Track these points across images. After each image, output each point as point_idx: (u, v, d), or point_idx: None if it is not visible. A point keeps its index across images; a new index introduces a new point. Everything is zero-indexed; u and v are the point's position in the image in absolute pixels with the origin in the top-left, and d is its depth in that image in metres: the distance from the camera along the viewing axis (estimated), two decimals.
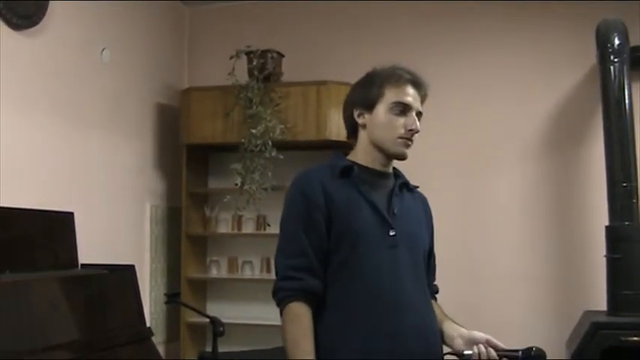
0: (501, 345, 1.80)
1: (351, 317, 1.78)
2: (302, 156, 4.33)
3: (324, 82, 4.32)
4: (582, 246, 4.27)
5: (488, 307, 4.30)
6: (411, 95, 1.90)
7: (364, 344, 1.76)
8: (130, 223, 4.39)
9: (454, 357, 1.86)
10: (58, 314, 2.88)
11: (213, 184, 4.99)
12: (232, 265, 4.83)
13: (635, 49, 4.05)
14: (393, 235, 1.84)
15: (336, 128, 4.17)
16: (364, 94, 1.93)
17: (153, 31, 4.71)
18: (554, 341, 3.99)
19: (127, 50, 4.37)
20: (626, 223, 3.77)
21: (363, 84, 1.96)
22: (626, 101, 3.88)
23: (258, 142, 4.21)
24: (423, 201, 2.08)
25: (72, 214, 3.53)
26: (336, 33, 4.81)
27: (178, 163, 4.71)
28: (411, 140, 1.91)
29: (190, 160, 4.68)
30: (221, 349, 3.28)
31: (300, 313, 1.78)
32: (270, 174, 4.25)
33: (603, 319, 3.71)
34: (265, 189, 4.25)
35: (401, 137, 1.89)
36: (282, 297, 1.81)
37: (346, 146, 2.04)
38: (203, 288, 4.93)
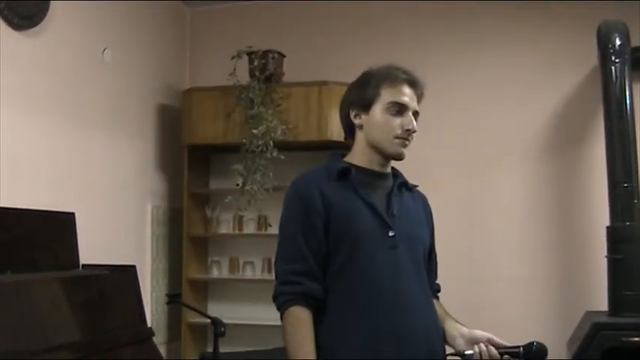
0: (503, 342, 1.80)
1: (351, 318, 1.78)
2: (303, 156, 4.33)
3: (325, 83, 4.32)
4: (583, 246, 4.27)
5: (489, 307, 4.30)
6: (407, 95, 1.89)
7: (365, 345, 1.76)
8: (131, 223, 4.39)
9: (456, 357, 1.86)
10: (59, 315, 2.88)
11: (215, 184, 4.99)
12: (233, 265, 4.83)
13: (636, 49, 4.05)
14: (393, 236, 1.84)
15: (337, 129, 4.12)
16: (360, 95, 1.92)
17: (154, 32, 4.71)
18: (555, 342, 3.98)
19: (129, 50, 4.37)
20: (627, 223, 3.77)
21: (359, 84, 1.95)
22: (627, 102, 3.88)
23: (260, 142, 4.21)
24: (423, 200, 2.07)
25: (73, 214, 3.53)
26: (338, 33, 4.81)
27: (179, 164, 4.71)
28: (409, 140, 1.90)
29: (192, 161, 4.68)
30: (222, 349, 3.28)
31: (301, 317, 1.78)
32: (271, 174, 4.25)
33: (604, 319, 3.71)
34: (267, 189, 4.25)
35: (398, 137, 1.88)
36: (282, 301, 1.81)
37: (347, 147, 2.03)
38: (204, 288, 4.93)
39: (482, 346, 1.80)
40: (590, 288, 4.17)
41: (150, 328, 3.55)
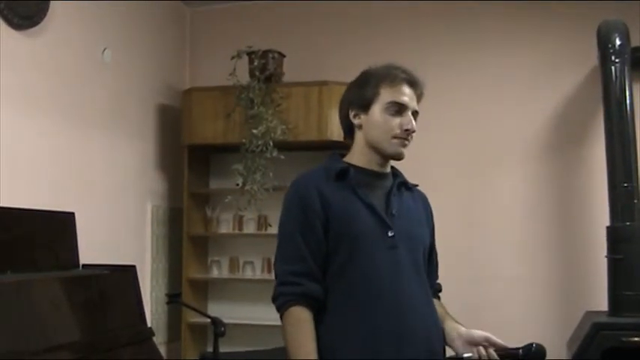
0: (500, 342, 1.80)
1: (351, 318, 1.78)
2: (303, 156, 4.33)
3: (325, 83, 4.32)
4: (583, 246, 4.27)
5: (489, 307, 4.30)
6: (406, 95, 1.88)
7: (365, 345, 1.76)
8: (131, 223, 4.39)
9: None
10: (59, 315, 2.88)
11: (215, 184, 4.99)
12: (233, 265, 4.83)
13: (636, 49, 4.05)
14: (392, 236, 1.83)
15: (337, 129, 4.11)
16: (359, 95, 1.92)
17: (154, 32, 4.72)
18: (555, 342, 3.99)
19: (129, 50, 4.37)
20: (627, 223, 3.77)
21: (358, 84, 1.95)
22: (627, 102, 3.88)
23: (260, 142, 4.21)
24: (423, 199, 2.06)
25: (73, 214, 3.54)
26: (338, 33, 4.81)
27: (180, 164, 4.71)
28: (408, 140, 1.89)
29: (192, 161, 4.68)
30: (222, 349, 3.28)
31: (302, 317, 1.78)
32: (271, 174, 4.25)
33: (604, 319, 3.71)
34: (266, 189, 4.25)
35: (396, 137, 1.88)
36: (282, 302, 1.80)
37: (347, 147, 2.02)
38: (204, 288, 4.93)
39: (482, 349, 1.79)
40: (590, 288, 4.17)
41: (150, 328, 3.55)
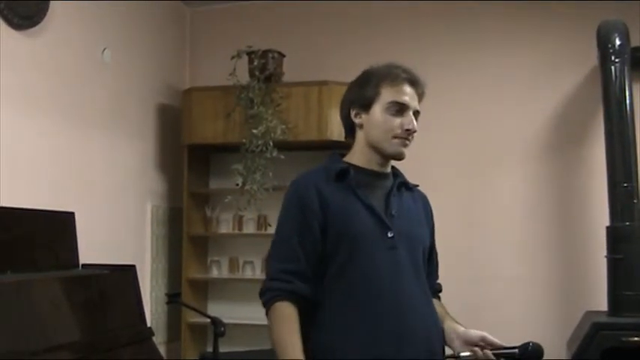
0: (497, 341, 1.80)
1: (351, 318, 1.78)
2: (303, 156, 4.33)
3: (325, 83, 4.32)
4: (583, 246, 4.27)
5: (489, 307, 4.30)
6: (408, 94, 1.88)
7: (365, 345, 1.76)
8: (131, 223, 4.39)
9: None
10: (59, 314, 2.88)
11: (215, 184, 4.99)
12: (233, 265, 4.83)
13: (636, 49, 4.05)
14: (392, 237, 1.84)
15: (337, 128, 4.16)
16: (361, 94, 1.91)
17: (154, 32, 4.72)
18: (555, 341, 3.99)
19: (128, 50, 4.37)
20: (627, 223, 3.77)
21: (359, 83, 1.94)
22: (627, 102, 3.88)
23: (260, 142, 4.21)
24: (423, 199, 2.06)
25: (73, 214, 3.54)
26: (338, 33, 4.81)
27: (179, 164, 4.71)
28: (409, 140, 1.89)
29: (191, 161, 4.68)
30: (222, 349, 3.28)
31: (287, 312, 1.78)
32: (271, 174, 4.25)
33: (604, 319, 3.71)
34: (266, 189, 4.25)
35: (397, 137, 1.87)
36: (269, 297, 1.81)
37: (347, 147, 2.02)
38: (204, 288, 4.93)
39: (478, 350, 1.80)
40: (590, 288, 4.17)
41: (150, 327, 3.55)
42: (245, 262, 4.78)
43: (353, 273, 1.80)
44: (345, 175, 1.88)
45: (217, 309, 4.69)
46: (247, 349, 3.87)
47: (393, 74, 1.89)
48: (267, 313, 1.83)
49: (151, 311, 4.46)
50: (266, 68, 4.38)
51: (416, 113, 1.90)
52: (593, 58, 4.16)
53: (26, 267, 3.10)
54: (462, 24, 4.60)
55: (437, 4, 4.62)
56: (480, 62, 4.56)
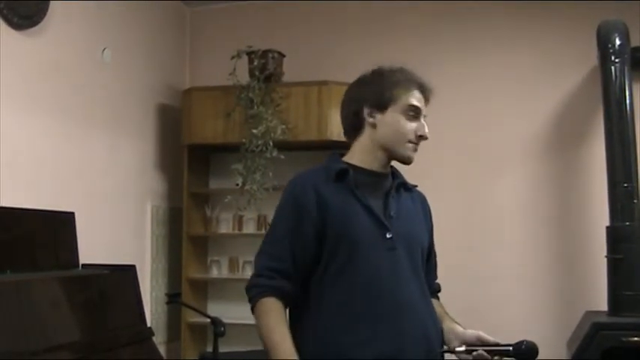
0: (491, 339, 1.81)
1: (351, 318, 1.78)
2: (303, 156, 4.33)
3: (325, 82, 4.32)
4: (583, 246, 4.27)
5: (489, 307, 4.30)
6: (420, 100, 1.91)
7: (365, 345, 1.76)
8: (131, 223, 4.39)
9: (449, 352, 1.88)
10: (59, 315, 2.88)
11: (214, 184, 4.99)
12: (233, 265, 4.84)
13: (636, 49, 4.05)
14: (390, 238, 1.84)
15: (337, 128, 4.12)
16: (376, 94, 1.90)
17: (154, 31, 4.72)
18: (555, 341, 4.00)
19: (128, 50, 4.37)
20: (627, 223, 3.77)
21: (373, 83, 1.93)
22: (627, 102, 3.88)
23: (259, 142, 4.21)
24: (422, 200, 2.07)
25: (73, 214, 3.54)
26: (337, 33, 4.81)
27: (179, 164, 4.71)
28: (418, 145, 1.92)
29: (191, 161, 4.68)
30: (222, 349, 3.28)
31: (274, 307, 1.80)
32: (271, 174, 4.25)
33: (604, 319, 3.71)
34: (266, 189, 4.25)
35: (411, 142, 1.90)
36: (255, 293, 1.83)
37: (348, 147, 2.01)
38: (204, 288, 4.93)
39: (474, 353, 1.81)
40: (590, 288, 4.17)
41: (150, 327, 3.55)
42: (245, 262, 4.78)
43: (352, 274, 1.80)
44: (344, 175, 1.88)
45: (217, 309, 4.69)
46: (247, 349, 3.86)
47: (408, 78, 1.91)
48: (252, 309, 1.84)
49: (151, 311, 4.46)
50: (266, 68, 4.38)
51: (424, 118, 1.93)
52: (593, 58, 4.16)
53: (26, 267, 3.10)
54: (462, 24, 4.60)
55: (437, 4, 4.62)
56: (480, 62, 4.56)
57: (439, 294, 2.09)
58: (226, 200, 4.43)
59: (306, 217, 1.83)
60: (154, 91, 4.72)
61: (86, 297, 3.13)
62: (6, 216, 3.08)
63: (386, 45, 4.61)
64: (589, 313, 3.96)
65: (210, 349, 3.50)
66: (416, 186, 2.06)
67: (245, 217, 4.70)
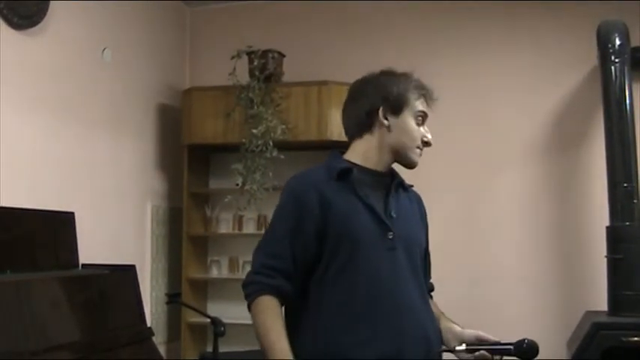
0: (491, 338, 1.82)
1: (351, 318, 1.78)
2: (303, 156, 4.33)
3: (325, 82, 4.32)
4: (583, 246, 4.27)
5: (489, 307, 4.30)
6: (426, 106, 1.95)
7: (365, 345, 1.76)
8: (131, 223, 4.39)
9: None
10: (59, 314, 2.88)
11: (214, 184, 4.99)
12: (233, 265, 4.84)
13: (636, 49, 4.05)
14: (392, 238, 1.84)
15: (337, 128, 4.16)
16: (393, 96, 1.90)
17: (154, 31, 4.72)
18: (555, 341, 4.00)
19: (128, 50, 4.37)
20: (627, 223, 3.77)
21: (389, 84, 1.92)
22: (627, 102, 3.88)
23: (259, 142, 4.21)
24: (418, 200, 2.07)
25: (73, 214, 3.54)
26: (338, 33, 4.81)
27: (179, 164, 4.71)
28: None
29: (191, 161, 4.68)
30: (222, 349, 3.28)
31: (271, 305, 1.80)
32: (271, 174, 4.25)
33: (604, 319, 3.71)
34: (266, 189, 4.25)
35: (419, 147, 1.92)
36: (253, 290, 1.82)
37: (347, 146, 2.01)
38: (204, 288, 4.93)
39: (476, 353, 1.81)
40: (590, 288, 4.17)
41: (149, 327, 3.55)
42: (245, 262, 4.78)
43: (353, 273, 1.80)
44: (347, 174, 1.88)
45: (217, 309, 4.69)
46: (247, 349, 3.86)
47: (419, 84, 1.94)
48: (249, 306, 1.84)
49: (151, 311, 4.46)
50: (266, 68, 4.38)
51: None
52: (593, 58, 4.16)
53: (26, 267, 3.10)
54: (462, 24, 4.60)
55: (437, 4, 4.62)
56: (480, 62, 4.56)
57: (432, 293, 2.08)
58: (226, 200, 4.43)
59: (307, 216, 1.82)
60: (154, 91, 4.71)
61: (86, 297, 3.13)
62: (6, 216, 3.08)
63: (386, 45, 4.61)
64: (589, 313, 3.96)
65: (210, 349, 3.50)
66: (412, 186, 2.06)
67: (245, 217, 4.70)
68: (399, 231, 1.86)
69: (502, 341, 1.81)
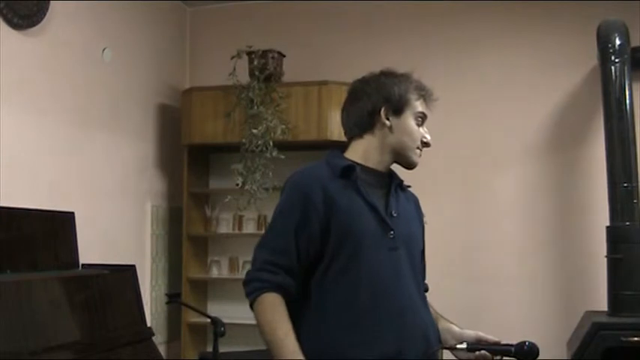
0: (492, 338, 1.82)
1: (352, 318, 1.78)
2: (303, 156, 4.32)
3: (325, 82, 4.32)
4: (583, 246, 4.27)
5: (489, 307, 4.29)
6: (425, 107, 1.95)
7: (365, 344, 1.76)
8: (130, 223, 4.39)
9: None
10: (59, 314, 2.88)
11: (214, 184, 4.99)
12: (233, 265, 4.83)
13: (636, 49, 4.05)
14: (393, 237, 1.84)
15: (337, 128, 4.12)
16: (396, 96, 1.90)
17: (154, 31, 4.72)
18: (556, 341, 4.00)
19: (128, 50, 4.37)
20: (627, 223, 3.77)
21: (391, 85, 1.92)
22: (627, 101, 3.88)
23: (259, 142, 4.21)
24: (415, 201, 2.07)
25: (73, 214, 3.54)
26: (338, 33, 4.81)
27: (179, 163, 4.72)
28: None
29: (191, 160, 4.68)
30: (222, 349, 3.28)
31: (276, 302, 1.77)
32: (271, 174, 4.25)
33: (604, 319, 3.71)
34: (266, 189, 4.25)
35: (419, 148, 1.93)
36: (257, 287, 1.80)
37: (346, 145, 1.99)
38: (204, 288, 4.93)
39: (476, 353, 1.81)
40: (590, 288, 4.17)
41: (149, 327, 3.56)
42: (245, 262, 4.78)
43: (354, 272, 1.80)
44: (350, 172, 1.87)
45: (217, 309, 4.69)
46: (247, 349, 3.86)
47: (419, 85, 1.94)
48: (252, 303, 1.81)
49: (151, 311, 4.46)
50: (266, 68, 4.37)
51: None
52: (593, 58, 4.16)
53: (26, 267, 3.10)
54: (462, 24, 4.60)
55: (437, 4, 4.61)
56: (480, 62, 4.56)
57: (427, 294, 2.08)
58: (226, 200, 4.43)
59: (313, 212, 1.80)
60: (154, 90, 4.71)
61: (86, 297, 3.13)
62: (6, 216, 3.08)
63: (386, 45, 4.61)
64: (589, 313, 3.96)
65: (210, 349, 3.50)
66: (409, 186, 2.06)
67: (245, 217, 4.70)
68: (399, 230, 1.86)
69: (502, 342, 1.81)
